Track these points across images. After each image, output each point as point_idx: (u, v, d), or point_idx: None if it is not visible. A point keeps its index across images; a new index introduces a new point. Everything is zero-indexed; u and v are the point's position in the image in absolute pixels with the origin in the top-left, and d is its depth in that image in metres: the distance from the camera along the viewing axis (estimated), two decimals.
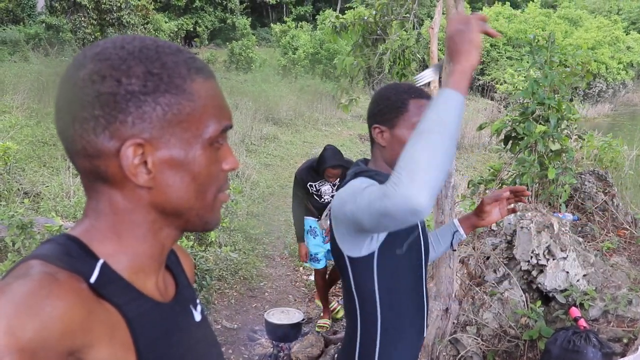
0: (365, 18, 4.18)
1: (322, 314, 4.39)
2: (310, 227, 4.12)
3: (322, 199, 4.00)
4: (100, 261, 0.68)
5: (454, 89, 1.06)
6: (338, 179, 3.85)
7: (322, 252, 4.14)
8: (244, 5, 32.54)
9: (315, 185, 3.99)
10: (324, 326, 4.26)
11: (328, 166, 3.73)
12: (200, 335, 0.83)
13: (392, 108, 1.44)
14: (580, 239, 3.54)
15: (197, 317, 0.84)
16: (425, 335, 1.57)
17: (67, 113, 0.68)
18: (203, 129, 0.71)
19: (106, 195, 0.71)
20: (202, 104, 0.71)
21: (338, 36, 4.33)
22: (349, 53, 4.42)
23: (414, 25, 4.12)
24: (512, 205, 1.67)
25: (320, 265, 4.16)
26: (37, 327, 0.55)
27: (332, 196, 3.96)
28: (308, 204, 4.06)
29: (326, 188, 4.00)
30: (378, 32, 4.22)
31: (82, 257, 0.68)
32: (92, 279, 0.66)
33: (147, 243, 0.73)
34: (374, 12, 4.24)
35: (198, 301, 0.88)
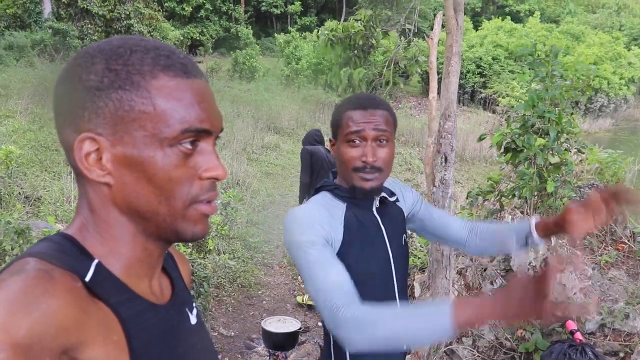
0: (353, 33, 4.31)
1: None
2: None
3: None
4: (96, 261, 0.69)
5: (455, 319, 0.97)
6: None
7: None
8: (249, 14, 32.75)
9: None
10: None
11: None
12: (196, 339, 0.83)
13: (334, 122, 1.45)
14: (578, 252, 3.54)
15: (193, 320, 0.84)
16: (407, 349, 1.55)
17: (53, 110, 0.72)
18: (160, 128, 0.68)
19: (83, 189, 0.73)
20: (162, 102, 0.68)
21: (332, 49, 4.47)
22: (339, 64, 4.60)
23: (408, 35, 4.19)
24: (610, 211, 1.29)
25: None
26: (31, 323, 0.55)
27: None
28: None
29: None
30: (369, 43, 4.32)
31: (77, 256, 0.68)
32: (87, 278, 0.66)
33: (127, 245, 0.73)
34: (359, 24, 4.35)
35: (194, 305, 0.87)
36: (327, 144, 4.60)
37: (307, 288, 1.27)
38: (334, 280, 1.21)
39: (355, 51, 4.08)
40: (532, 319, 0.94)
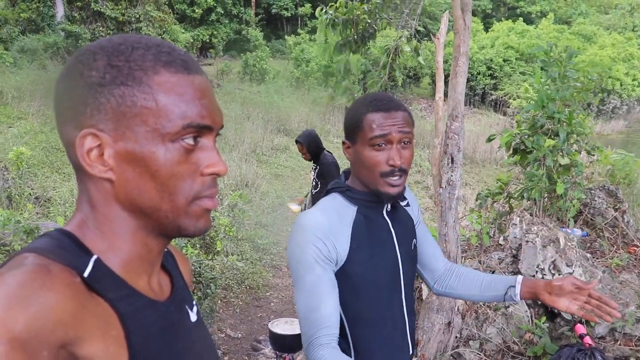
0: (356, 16, 4.22)
1: None
2: None
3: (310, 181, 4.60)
4: (94, 257, 0.69)
5: None
6: (319, 162, 4.46)
7: None
8: (260, 17, 32.85)
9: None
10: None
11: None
12: (196, 336, 0.82)
13: (351, 123, 1.40)
14: (588, 255, 3.49)
15: (193, 317, 0.84)
16: (413, 352, 1.53)
17: (54, 108, 0.72)
18: (162, 123, 0.68)
19: (84, 186, 0.73)
20: (164, 98, 0.68)
21: (332, 30, 4.34)
22: (334, 49, 4.48)
23: (413, 34, 4.15)
24: (586, 311, 1.41)
25: None
26: (29, 318, 0.55)
27: (314, 180, 4.52)
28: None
29: (312, 173, 4.51)
30: (370, 29, 4.25)
31: (76, 252, 0.68)
32: (86, 274, 0.66)
33: (128, 242, 0.73)
34: (365, 8, 4.28)
35: (194, 302, 0.87)
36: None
37: (296, 304, 1.36)
38: (322, 315, 1.30)
39: (355, 36, 4.05)
40: None
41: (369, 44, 4.46)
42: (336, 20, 4.33)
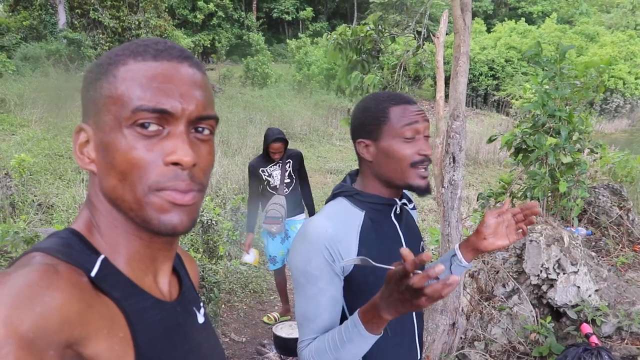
0: (361, 37, 4.23)
1: (281, 311, 4.61)
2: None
3: (273, 183, 4.18)
4: (102, 256, 0.69)
5: (366, 325, 1.12)
6: (286, 156, 4.15)
7: (280, 254, 4.30)
8: (261, 21, 32.98)
9: (267, 170, 4.16)
10: (271, 318, 4.52)
11: (270, 142, 4.04)
12: (203, 337, 0.82)
13: (374, 119, 1.35)
14: (593, 254, 3.47)
15: (201, 319, 0.84)
16: (420, 357, 1.51)
17: None
18: (119, 110, 0.67)
19: (89, 181, 0.75)
20: (123, 84, 0.68)
21: (340, 53, 4.36)
22: (347, 67, 4.45)
23: (419, 40, 4.15)
24: (520, 230, 1.44)
25: (278, 266, 4.36)
26: (35, 317, 0.55)
27: (283, 181, 4.18)
28: (265, 192, 4.20)
29: (276, 173, 4.16)
30: (377, 47, 4.26)
31: (84, 251, 0.68)
32: (93, 273, 0.66)
33: (123, 236, 0.72)
34: (367, 29, 4.29)
35: (202, 304, 0.87)
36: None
37: (296, 309, 1.35)
38: (318, 327, 1.30)
39: (363, 55, 4.06)
40: (413, 309, 0.98)
41: (378, 60, 4.45)
42: (341, 43, 4.33)
